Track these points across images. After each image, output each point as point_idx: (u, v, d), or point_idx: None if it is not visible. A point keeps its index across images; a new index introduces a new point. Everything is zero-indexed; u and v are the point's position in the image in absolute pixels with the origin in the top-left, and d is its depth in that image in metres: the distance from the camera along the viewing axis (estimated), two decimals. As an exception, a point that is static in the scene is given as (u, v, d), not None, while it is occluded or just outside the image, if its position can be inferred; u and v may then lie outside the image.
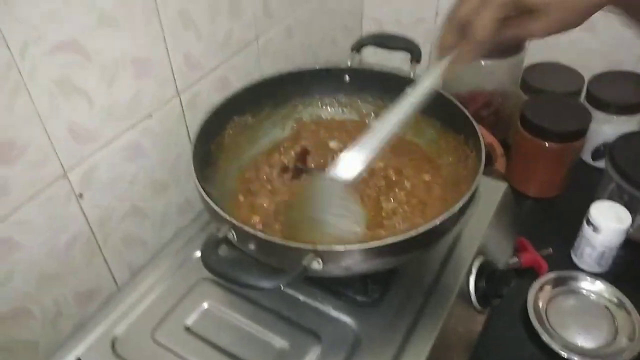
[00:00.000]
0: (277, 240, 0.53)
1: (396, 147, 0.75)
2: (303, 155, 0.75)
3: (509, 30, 0.51)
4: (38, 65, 0.54)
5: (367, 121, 0.82)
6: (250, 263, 0.50)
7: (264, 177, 0.72)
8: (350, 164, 0.55)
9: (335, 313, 0.63)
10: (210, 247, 0.51)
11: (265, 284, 0.48)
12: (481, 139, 0.64)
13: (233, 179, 0.72)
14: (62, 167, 0.61)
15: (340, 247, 0.52)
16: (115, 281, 0.73)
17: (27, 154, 0.56)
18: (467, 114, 0.68)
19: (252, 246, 0.55)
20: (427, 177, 0.72)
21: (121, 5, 0.61)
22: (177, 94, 0.73)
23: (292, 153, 0.75)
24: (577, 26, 0.49)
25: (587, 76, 0.99)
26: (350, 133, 0.78)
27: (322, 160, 0.74)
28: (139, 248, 0.75)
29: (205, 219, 0.77)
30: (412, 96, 0.56)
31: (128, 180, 0.70)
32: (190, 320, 0.63)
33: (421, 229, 0.53)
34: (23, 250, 0.59)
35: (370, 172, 0.71)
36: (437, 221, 0.54)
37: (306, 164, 0.73)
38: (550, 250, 0.85)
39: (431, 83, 0.56)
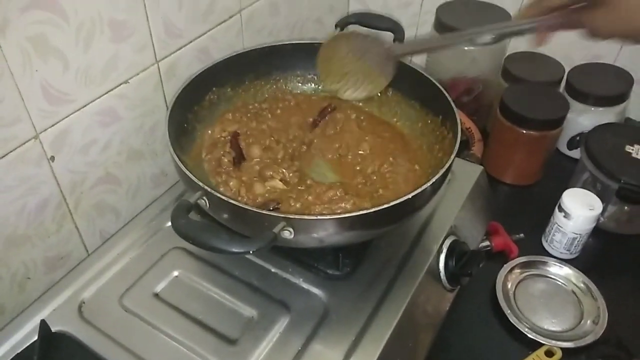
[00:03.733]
0: (249, 207, 0.53)
1: (373, 128, 0.76)
2: (235, 138, 0.71)
3: (572, 16, 0.54)
4: (11, 19, 0.53)
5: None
6: (220, 228, 0.50)
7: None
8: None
9: (305, 285, 0.63)
10: (181, 211, 0.51)
11: (235, 248, 0.48)
12: (458, 118, 0.65)
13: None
14: (34, 127, 0.60)
15: (312, 217, 0.52)
16: (86, 248, 0.72)
17: (-3, 111, 0.55)
18: (446, 94, 0.68)
19: (224, 213, 0.55)
20: (403, 158, 0.72)
21: (100, -36, 0.60)
22: (156, 61, 0.72)
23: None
24: None
25: (567, 67, 1.00)
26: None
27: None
28: (111, 216, 0.75)
29: (180, 190, 0.77)
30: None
31: (102, 146, 0.69)
32: (159, 288, 0.63)
33: (393, 202, 0.54)
34: (-9, 209, 0.59)
35: (347, 150, 0.72)
36: (410, 195, 0.54)
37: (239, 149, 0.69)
38: (522, 235, 0.86)
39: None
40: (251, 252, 0.48)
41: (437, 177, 0.57)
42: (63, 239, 0.69)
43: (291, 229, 0.52)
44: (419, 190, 0.55)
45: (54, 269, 0.69)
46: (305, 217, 0.52)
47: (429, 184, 0.56)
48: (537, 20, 0.59)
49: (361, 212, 0.52)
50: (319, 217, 0.52)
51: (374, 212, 0.53)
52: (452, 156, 0.60)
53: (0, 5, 0.52)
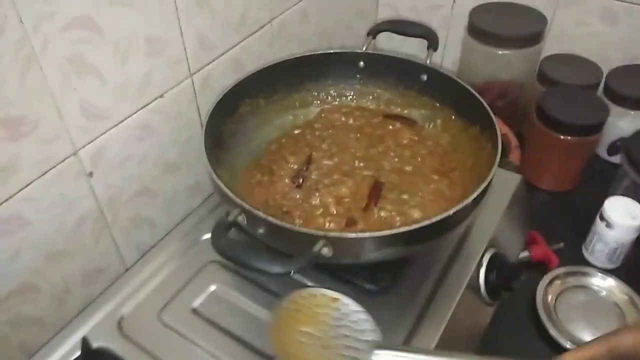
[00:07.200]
0: (288, 225, 0.52)
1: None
2: (307, 162, 0.71)
3: None
4: (50, 40, 0.54)
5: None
6: (261, 247, 0.50)
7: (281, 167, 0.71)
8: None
9: (343, 300, 0.62)
10: (220, 230, 0.51)
11: (277, 269, 0.47)
12: (498, 130, 0.63)
13: (244, 161, 0.72)
14: (73, 144, 0.60)
15: (351, 235, 0.52)
16: (123, 261, 0.73)
17: (37, 130, 0.56)
18: (484, 103, 0.67)
19: (262, 230, 0.55)
20: (440, 168, 0.71)
21: (135, -19, 0.60)
22: (190, 74, 0.72)
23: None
24: None
25: (605, 69, 0.98)
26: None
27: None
28: (147, 229, 0.75)
29: (215, 202, 0.77)
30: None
31: (138, 160, 0.70)
32: (197, 302, 0.63)
33: (434, 219, 0.52)
34: (32, 226, 0.59)
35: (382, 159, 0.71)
36: (451, 212, 0.53)
37: (307, 170, 0.70)
38: (562, 244, 0.84)
39: None
40: (292, 272, 0.47)
41: (477, 192, 0.55)
42: (101, 253, 0.69)
43: (330, 247, 0.51)
44: (459, 206, 0.54)
45: (92, 282, 0.69)
46: (345, 235, 0.51)
47: (469, 200, 0.54)
48: None
49: (401, 230, 0.52)
50: (358, 235, 0.51)
51: (414, 229, 0.52)
52: (493, 169, 0.58)
53: (40, 26, 0.52)
